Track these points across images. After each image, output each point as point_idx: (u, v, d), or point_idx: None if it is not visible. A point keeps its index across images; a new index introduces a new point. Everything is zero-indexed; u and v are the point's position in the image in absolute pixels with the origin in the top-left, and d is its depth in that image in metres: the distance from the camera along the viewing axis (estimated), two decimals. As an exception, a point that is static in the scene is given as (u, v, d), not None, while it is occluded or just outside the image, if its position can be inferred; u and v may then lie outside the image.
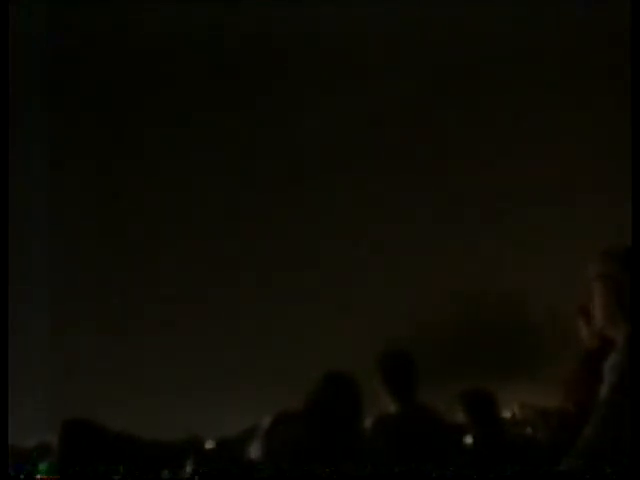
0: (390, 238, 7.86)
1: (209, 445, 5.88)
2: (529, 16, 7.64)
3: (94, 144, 8.11)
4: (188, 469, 4.67)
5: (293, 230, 7.97)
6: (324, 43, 7.85)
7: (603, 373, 3.52)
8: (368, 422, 4.67)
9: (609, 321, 3.50)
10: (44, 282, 7.76)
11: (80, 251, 8.03)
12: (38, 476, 4.95)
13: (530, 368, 7.16)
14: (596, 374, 4.58)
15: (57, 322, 7.72)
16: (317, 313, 7.67)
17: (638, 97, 5.18)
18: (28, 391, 7.02)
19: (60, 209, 7.92)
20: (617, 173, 6.61)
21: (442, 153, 7.94)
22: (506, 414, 5.45)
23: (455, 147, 7.94)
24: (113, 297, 7.97)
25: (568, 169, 7.74)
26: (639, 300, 3.43)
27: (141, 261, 8.04)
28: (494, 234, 7.79)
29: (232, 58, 8.06)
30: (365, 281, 7.83)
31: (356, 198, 7.97)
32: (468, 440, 5.04)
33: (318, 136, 7.92)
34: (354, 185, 7.99)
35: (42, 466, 5.01)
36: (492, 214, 7.85)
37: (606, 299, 3.50)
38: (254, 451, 4.60)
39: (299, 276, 7.89)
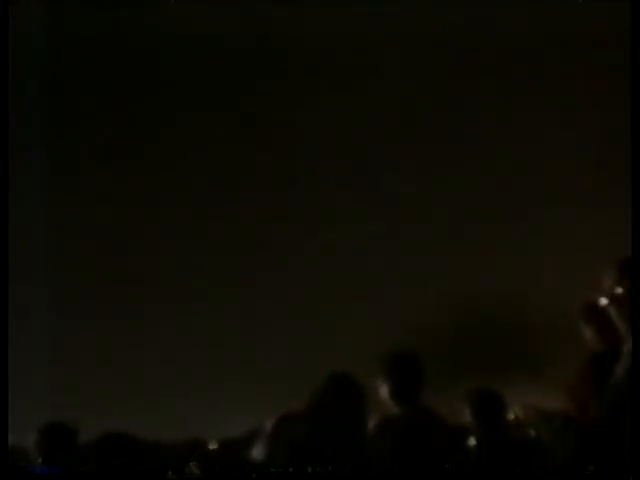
0: (392, 239, 7.87)
1: (212, 446, 5.88)
2: (529, 16, 7.65)
3: (94, 143, 8.11)
4: (192, 470, 4.68)
5: (294, 230, 7.97)
6: (324, 43, 7.85)
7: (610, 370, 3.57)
8: (371, 424, 4.67)
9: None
10: (44, 282, 7.76)
11: (80, 251, 8.02)
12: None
13: (533, 370, 7.16)
14: (599, 375, 4.58)
15: (57, 321, 7.72)
16: (320, 314, 7.67)
17: (638, 97, 5.19)
18: (28, 391, 7.02)
19: (60, 209, 7.92)
20: (617, 174, 6.64)
21: (443, 154, 7.95)
22: (509, 416, 5.46)
23: (456, 148, 7.94)
24: (113, 297, 7.97)
25: (568, 170, 7.75)
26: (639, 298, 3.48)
27: (141, 261, 8.04)
28: (499, 235, 7.79)
29: (232, 58, 8.06)
30: (367, 282, 7.83)
31: (357, 198, 7.97)
32: (471, 442, 5.04)
33: (320, 136, 7.93)
34: (355, 185, 7.99)
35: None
36: (495, 215, 7.86)
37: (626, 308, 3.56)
38: (257, 452, 4.60)
39: (301, 276, 7.89)
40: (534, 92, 7.90)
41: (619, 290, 3.65)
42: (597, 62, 7.70)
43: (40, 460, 5.10)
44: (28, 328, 7.41)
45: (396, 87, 7.91)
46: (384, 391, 4.76)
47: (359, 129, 7.95)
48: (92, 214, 8.07)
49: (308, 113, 7.97)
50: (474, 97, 7.87)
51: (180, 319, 7.84)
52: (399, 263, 7.87)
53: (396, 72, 7.90)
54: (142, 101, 8.07)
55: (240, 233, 8.06)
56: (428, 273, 7.78)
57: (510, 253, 7.77)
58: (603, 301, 3.66)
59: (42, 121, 7.84)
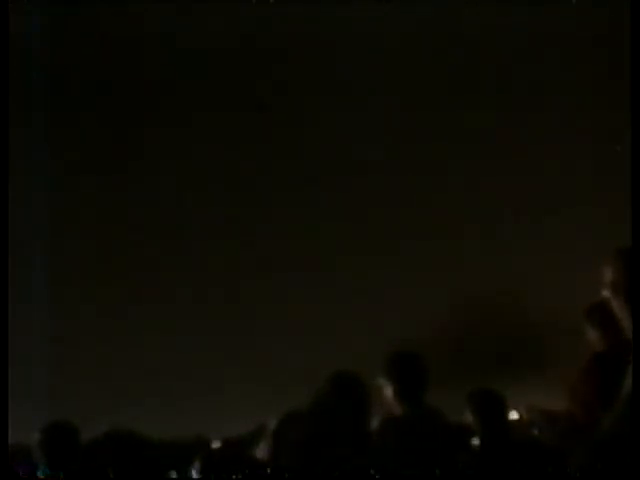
0: (393, 239, 7.88)
1: (215, 445, 5.89)
2: (529, 15, 7.68)
3: (94, 143, 8.12)
4: (194, 470, 4.67)
5: (294, 230, 7.98)
6: (324, 44, 7.87)
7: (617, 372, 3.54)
8: (375, 423, 4.69)
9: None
10: (44, 281, 7.76)
11: (80, 251, 8.03)
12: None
13: (537, 370, 7.17)
14: (604, 376, 4.59)
15: (57, 322, 7.72)
16: (324, 314, 7.68)
17: (638, 97, 5.21)
18: (28, 391, 7.03)
19: (60, 208, 7.92)
20: (617, 174, 6.65)
21: (443, 154, 7.96)
22: (513, 416, 5.46)
23: (456, 148, 7.95)
24: (114, 297, 7.97)
25: (568, 169, 7.77)
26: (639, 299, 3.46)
27: (142, 261, 8.04)
28: (499, 235, 7.81)
29: (232, 58, 8.07)
30: (369, 282, 7.83)
31: (357, 198, 7.98)
32: (475, 442, 5.04)
33: (321, 136, 7.94)
34: (355, 185, 8.00)
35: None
36: (495, 215, 7.88)
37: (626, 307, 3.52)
38: (261, 451, 4.61)
39: (302, 276, 7.90)
40: (534, 92, 7.92)
41: (620, 280, 3.61)
42: (597, 62, 7.73)
43: (42, 460, 5.10)
44: (28, 328, 7.40)
45: (396, 87, 7.93)
46: (388, 391, 4.78)
47: (359, 130, 7.96)
48: (92, 214, 8.08)
49: (308, 114, 7.99)
50: (474, 97, 7.88)
51: (181, 318, 7.85)
52: (400, 263, 7.88)
53: (396, 72, 7.93)
54: (143, 101, 8.07)
55: (241, 233, 8.07)
56: (430, 273, 7.79)
57: (510, 253, 7.79)
58: (605, 293, 3.63)
59: (42, 121, 7.85)
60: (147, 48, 7.90)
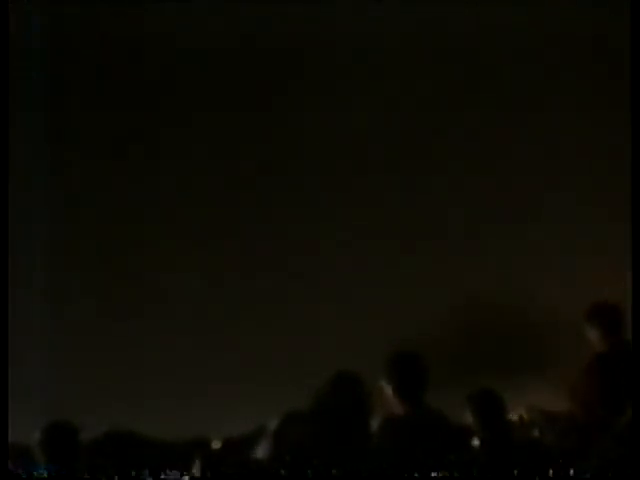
0: (393, 239, 7.88)
1: (216, 445, 5.90)
2: (529, 16, 7.69)
3: (94, 143, 8.11)
4: (194, 470, 4.69)
5: (294, 230, 7.97)
6: (325, 43, 7.88)
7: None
8: (375, 423, 4.70)
9: None
10: (44, 281, 7.76)
11: (80, 251, 8.02)
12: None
13: (537, 371, 7.17)
14: (604, 376, 4.61)
15: (57, 322, 7.71)
16: (324, 314, 7.68)
17: (638, 97, 5.23)
18: (28, 391, 7.02)
19: (60, 207, 7.92)
20: (618, 174, 6.66)
21: (443, 154, 7.96)
22: (513, 417, 5.47)
23: (456, 147, 7.96)
24: (113, 297, 7.97)
25: (568, 169, 7.78)
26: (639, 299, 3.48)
27: (142, 261, 8.04)
28: (500, 235, 7.81)
29: (232, 57, 8.07)
30: (369, 282, 7.83)
31: (357, 198, 7.98)
32: (475, 442, 5.05)
33: (322, 136, 7.94)
34: (355, 185, 8.00)
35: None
36: (495, 215, 7.87)
37: None
38: (262, 451, 4.63)
39: (301, 276, 7.90)
40: (534, 92, 7.92)
41: None
42: (597, 62, 7.74)
43: (43, 460, 5.12)
44: (28, 328, 7.40)
45: (396, 86, 7.94)
46: (388, 391, 4.79)
47: (360, 131, 7.96)
48: (92, 214, 8.07)
49: (308, 114, 7.99)
50: (474, 97, 7.89)
51: (181, 318, 7.85)
52: (400, 263, 7.88)
53: (397, 71, 7.94)
54: (143, 101, 8.07)
55: (240, 233, 8.06)
56: (430, 273, 7.79)
57: (511, 253, 7.79)
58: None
59: (42, 121, 7.85)
60: (147, 48, 7.92)
